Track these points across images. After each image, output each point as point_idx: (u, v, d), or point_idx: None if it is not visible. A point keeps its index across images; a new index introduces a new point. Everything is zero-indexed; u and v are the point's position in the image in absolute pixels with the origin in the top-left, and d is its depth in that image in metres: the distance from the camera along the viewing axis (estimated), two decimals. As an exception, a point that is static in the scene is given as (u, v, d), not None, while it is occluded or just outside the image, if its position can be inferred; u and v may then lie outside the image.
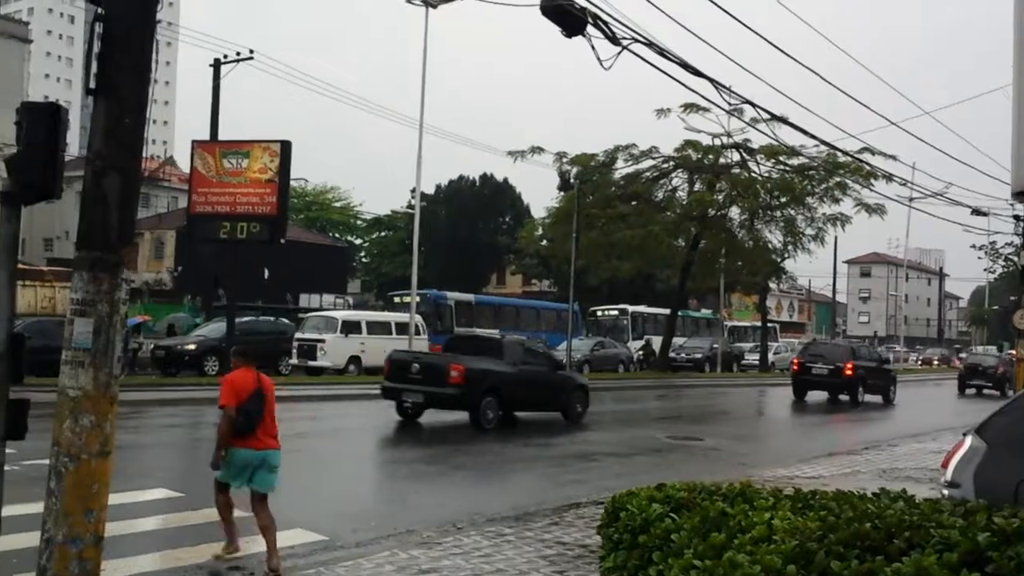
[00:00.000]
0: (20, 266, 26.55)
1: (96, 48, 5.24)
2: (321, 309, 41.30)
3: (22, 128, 5.19)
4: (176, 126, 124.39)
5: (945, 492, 5.41)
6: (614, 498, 4.41)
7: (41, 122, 5.19)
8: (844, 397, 29.22)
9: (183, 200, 35.73)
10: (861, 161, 31.67)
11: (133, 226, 5.35)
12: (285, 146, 25.99)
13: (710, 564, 3.22)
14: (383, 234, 74.79)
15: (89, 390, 5.01)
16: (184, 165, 37.85)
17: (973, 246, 54.90)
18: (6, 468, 8.28)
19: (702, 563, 3.27)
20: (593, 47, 9.97)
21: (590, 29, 9.81)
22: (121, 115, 5.23)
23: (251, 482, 7.46)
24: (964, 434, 5.89)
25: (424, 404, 17.89)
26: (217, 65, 28.95)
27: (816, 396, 29.68)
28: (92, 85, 5.21)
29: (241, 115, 52.62)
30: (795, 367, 30.68)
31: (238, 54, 29.39)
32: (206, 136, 28.13)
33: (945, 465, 5.73)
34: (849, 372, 28.84)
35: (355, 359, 30.62)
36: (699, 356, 46.71)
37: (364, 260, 78.00)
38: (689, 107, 35.13)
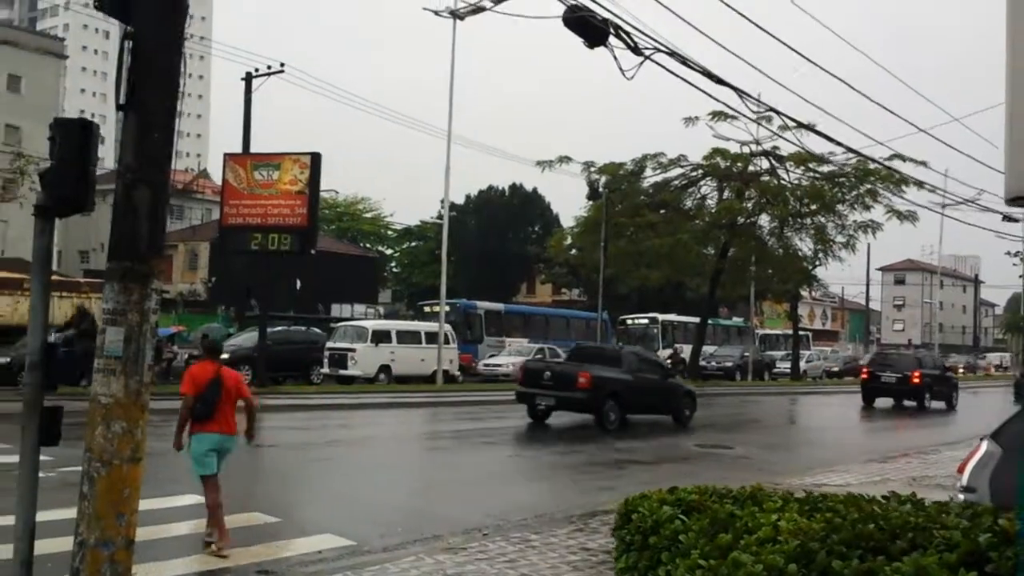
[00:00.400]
0: (57, 277, 27.03)
1: (126, 64, 5.39)
2: (352, 319, 41.59)
3: (55, 143, 5.35)
4: (210, 139, 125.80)
5: (961, 497, 5.42)
6: (627, 501, 4.48)
7: (73, 137, 5.34)
8: (910, 403, 31.19)
9: (216, 212, 36.27)
10: (891, 169, 31.47)
11: (163, 237, 5.49)
12: (315, 158, 26.28)
13: (715, 564, 3.29)
14: (413, 244, 75.17)
15: (120, 397, 5.14)
16: (217, 177, 38.28)
17: (1008, 253, 54.14)
18: (42, 475, 8.50)
19: (707, 563, 3.34)
20: (615, 57, 10.06)
21: (612, 40, 9.89)
22: (150, 129, 5.37)
23: (218, 468, 8.19)
24: (980, 439, 5.89)
25: (555, 407, 20.03)
26: (249, 79, 29.33)
27: (847, 403, 29.54)
28: (123, 101, 5.35)
29: (273, 128, 53.09)
30: (865, 375, 32.98)
31: (269, 67, 29.78)
32: (239, 149, 28.49)
33: (961, 470, 5.75)
34: (917, 380, 31.05)
35: (385, 368, 30.83)
36: (730, 364, 46.53)
37: (395, 270, 78.41)
38: (717, 115, 35.06)
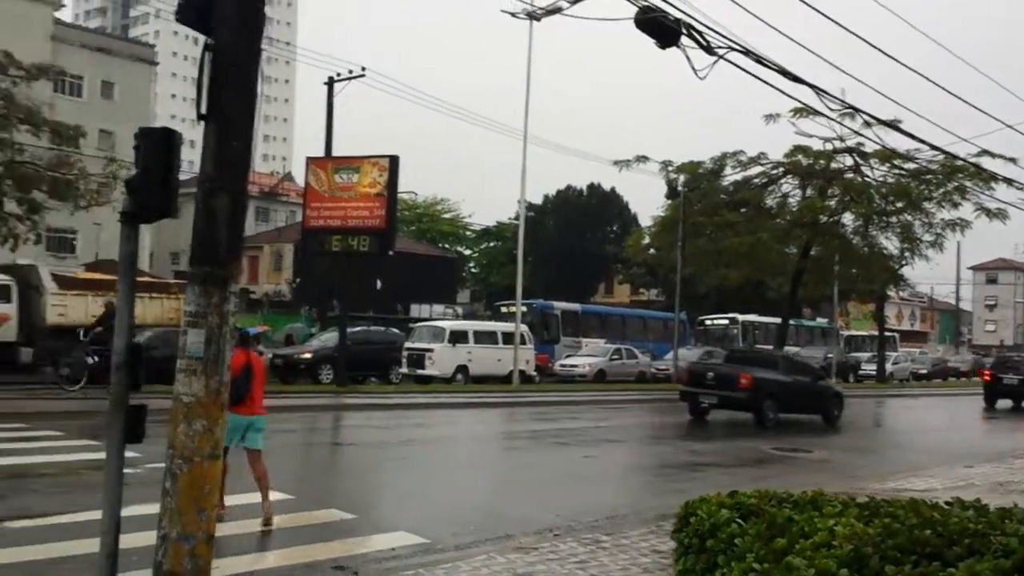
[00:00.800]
0: (148, 279, 27.82)
1: (207, 75, 5.60)
2: (430, 319, 42.01)
3: (139, 151, 5.57)
4: (294, 142, 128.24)
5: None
6: (686, 504, 4.50)
7: (156, 145, 5.54)
8: None
9: (300, 214, 37.12)
10: (978, 167, 30.56)
11: (241, 242, 5.68)
12: (393, 161, 26.68)
13: (769, 567, 3.30)
14: (492, 245, 75.57)
15: (201, 396, 5.34)
16: (301, 180, 39.06)
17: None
18: (130, 471, 8.84)
19: (761, 567, 3.35)
20: (688, 58, 10.01)
21: (684, 40, 9.85)
22: (229, 138, 5.56)
23: (243, 441, 9.12)
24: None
25: (717, 405, 22.04)
26: (331, 83, 29.90)
27: (934, 406, 28.80)
28: (203, 110, 5.55)
29: (354, 130, 54.03)
30: (987, 378, 34.61)
31: (350, 72, 30.35)
32: (322, 151, 29.08)
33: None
34: None
35: (462, 368, 31.10)
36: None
37: (473, 270, 78.93)
38: (799, 111, 34.47)
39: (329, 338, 29.80)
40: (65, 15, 59.56)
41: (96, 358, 21.04)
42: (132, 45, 62.99)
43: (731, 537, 3.84)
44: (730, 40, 10.47)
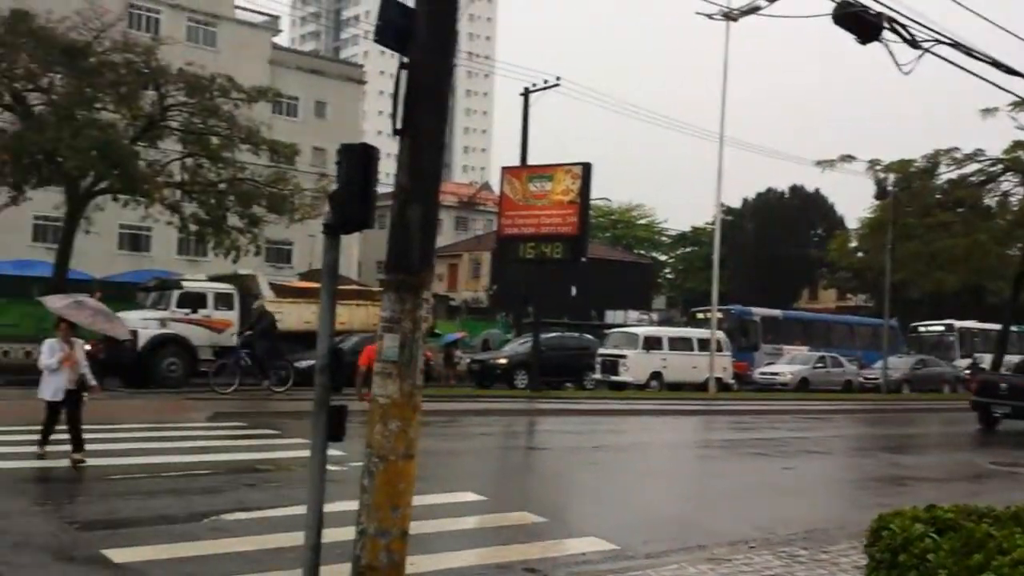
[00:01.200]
0: (355, 287, 29.14)
1: (402, 92, 5.85)
2: (625, 325, 41.90)
3: (341, 166, 5.89)
4: (492, 152, 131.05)
5: None
6: (880, 516, 4.32)
7: (356, 160, 5.84)
8: None
9: (497, 223, 38.08)
10: None
11: (433, 251, 5.91)
12: (586, 168, 26.90)
13: (962, 585, 3.12)
14: (688, 250, 74.56)
15: (396, 398, 5.59)
16: (499, 190, 40.00)
17: None
18: (335, 468, 9.32)
19: (954, 584, 3.17)
20: (891, 52, 9.58)
21: (886, 34, 9.43)
22: (422, 152, 5.80)
23: None
24: None
25: (1010, 415, 22.36)
26: (526, 94, 30.50)
27: None
28: (398, 125, 5.82)
29: (549, 138, 54.82)
30: None
31: (546, 82, 30.87)
32: (518, 161, 29.69)
33: None
34: None
35: (656, 375, 30.86)
36: (1038, 376, 42.43)
37: (669, 276, 78.11)
38: (1019, 105, 32.18)
39: (524, 344, 30.29)
40: (282, 40, 63.40)
41: (247, 361, 22.42)
42: (343, 66, 66.34)
43: (924, 552, 3.66)
44: (936, 33, 9.94)
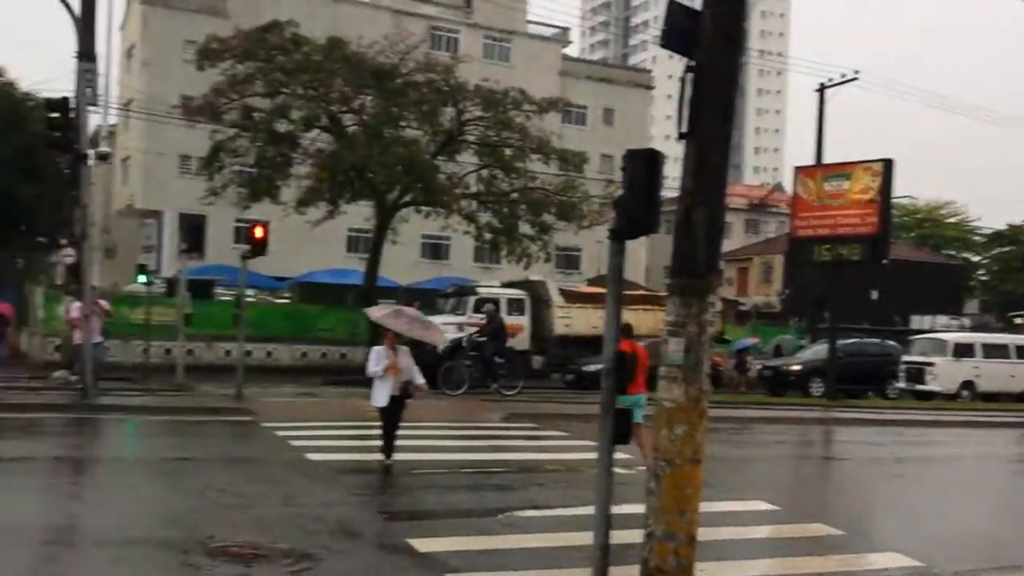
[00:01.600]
0: (642, 292, 29.25)
1: (687, 96, 5.83)
2: (932, 331, 39.12)
3: (626, 172, 5.96)
4: (785, 152, 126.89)
5: None
6: None
7: (641, 166, 5.88)
8: None
9: (789, 225, 36.89)
10: None
11: (718, 254, 5.84)
12: (887, 165, 25.42)
13: None
14: (1005, 249, 68.37)
15: (681, 402, 5.58)
16: (791, 190, 38.75)
17: None
18: (622, 471, 9.42)
19: None
20: None
21: None
22: (708, 155, 5.75)
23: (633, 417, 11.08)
24: None
25: None
26: (821, 90, 29.36)
27: None
28: (683, 129, 5.80)
29: (847, 136, 52.26)
30: None
31: (843, 76, 29.54)
32: (812, 160, 28.61)
33: None
34: None
35: (968, 384, 28.52)
36: None
37: (982, 278, 71.97)
38: None
39: (819, 350, 29.04)
40: (572, 50, 64.90)
41: (474, 364, 22.74)
42: (630, 72, 66.92)
43: None
44: None
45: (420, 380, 11.47)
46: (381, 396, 11.23)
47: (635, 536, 5.74)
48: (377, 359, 11.25)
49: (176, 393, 19.32)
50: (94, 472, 11.37)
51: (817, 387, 27.27)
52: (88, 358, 17.01)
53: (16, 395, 17.55)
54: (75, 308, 16.91)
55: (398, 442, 11.24)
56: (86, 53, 18.06)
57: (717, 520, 9.04)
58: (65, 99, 17.15)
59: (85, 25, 18.73)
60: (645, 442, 10.36)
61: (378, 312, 12.21)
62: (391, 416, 11.27)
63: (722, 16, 5.73)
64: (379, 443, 11.36)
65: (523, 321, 27.26)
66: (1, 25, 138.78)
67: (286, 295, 39.13)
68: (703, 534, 5.77)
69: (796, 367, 28.66)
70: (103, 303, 18.84)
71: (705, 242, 5.62)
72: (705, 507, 5.72)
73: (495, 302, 26.14)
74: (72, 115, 17.10)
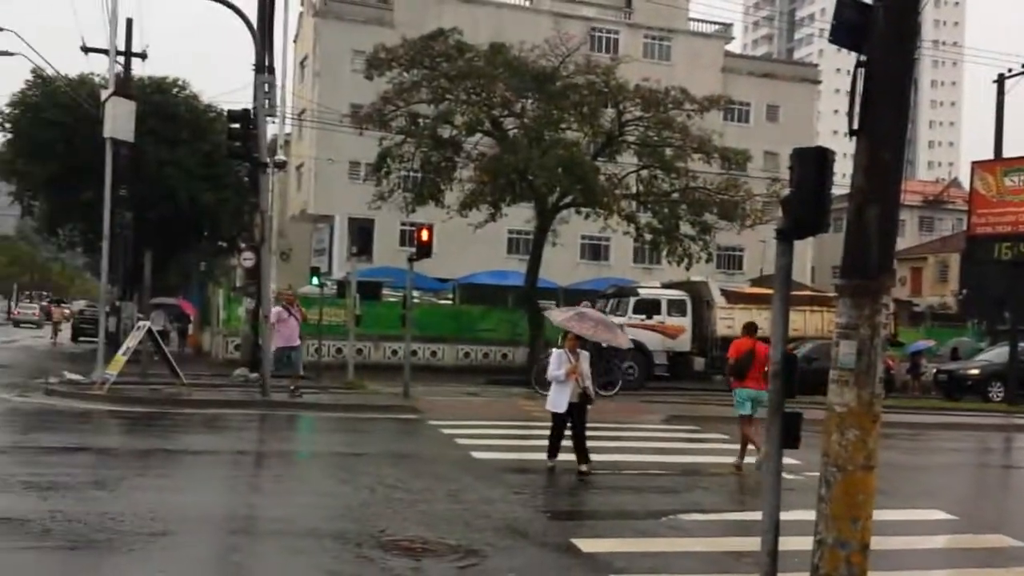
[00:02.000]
0: (809, 293, 28.48)
1: (859, 91, 5.67)
2: None
3: (794, 171, 5.84)
4: (961, 146, 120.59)
5: None
6: None
7: (810, 165, 5.74)
8: None
9: (966, 222, 34.99)
10: None
11: (892, 254, 5.65)
12: (1072, 157, 23.83)
13: None
14: None
15: (853, 407, 5.42)
16: (968, 185, 36.82)
17: None
18: (790, 477, 9.21)
19: None
20: None
21: None
22: (880, 151, 5.57)
23: (754, 411, 11.68)
24: None
25: None
26: (1000, 80, 27.76)
27: None
28: (855, 126, 5.64)
29: (1033, 127, 49.05)
30: None
31: (1023, 66, 27.84)
32: (991, 154, 27.10)
33: None
34: None
35: None
36: None
37: None
38: None
39: (999, 353, 27.48)
40: (735, 46, 63.73)
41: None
42: (796, 67, 65.13)
43: None
44: None
45: (588, 385, 11.14)
46: (560, 401, 10.88)
47: (802, 543, 5.63)
48: (559, 363, 10.89)
49: (347, 391, 20.12)
50: (272, 465, 11.98)
51: (997, 392, 25.83)
52: (267, 360, 17.83)
53: (201, 392, 18.69)
54: (273, 312, 17.75)
55: (563, 442, 11.29)
56: (264, 66, 19.03)
57: (890, 528, 8.71)
58: (246, 111, 18.07)
59: (263, 40, 19.75)
60: (757, 438, 11.28)
61: (561, 315, 11.98)
62: (573, 425, 10.94)
63: (893, 9, 5.55)
64: (547, 444, 11.29)
65: (684, 322, 26.98)
66: (182, 40, 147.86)
67: (448, 296, 40.05)
68: (876, 542, 5.60)
69: (974, 371, 27.22)
70: (301, 308, 19.30)
71: (878, 241, 5.44)
72: (878, 515, 5.54)
73: (657, 303, 25.97)
74: (251, 126, 18.02)
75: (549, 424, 11.36)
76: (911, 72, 5.77)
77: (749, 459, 11.85)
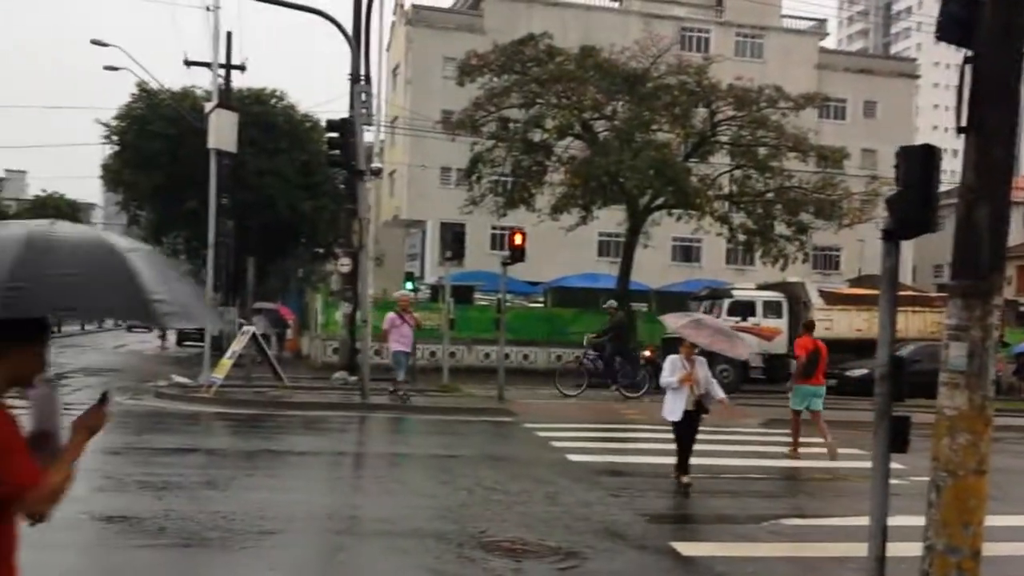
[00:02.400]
0: (911, 293, 27.67)
1: (966, 88, 5.55)
2: None
3: (899, 169, 5.74)
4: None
5: None
6: None
7: (916, 163, 5.65)
8: None
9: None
10: None
11: (1003, 253, 5.51)
12: None
13: None
14: None
15: (964, 410, 5.30)
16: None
17: None
18: (896, 482, 9.00)
19: None
20: None
21: None
22: (990, 148, 5.44)
23: (809, 407, 13.18)
24: None
25: None
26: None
27: None
28: (962, 124, 5.52)
29: None
30: None
31: None
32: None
33: None
34: None
35: None
36: None
37: None
38: None
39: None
40: (829, 42, 62.40)
41: (592, 363, 22.27)
42: (893, 62, 63.43)
43: None
44: None
45: (720, 394, 10.61)
46: (675, 409, 10.42)
47: (910, 549, 5.53)
48: (672, 369, 10.45)
49: (443, 394, 20.35)
50: (372, 466, 12.23)
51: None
52: (365, 364, 18.17)
53: (302, 394, 19.15)
54: (387, 319, 18.07)
55: (658, 445, 11.24)
56: (360, 75, 19.42)
57: (1003, 535, 8.46)
58: (344, 120, 18.51)
59: (359, 49, 20.16)
60: (824, 430, 13.12)
61: (676, 321, 11.48)
62: (685, 431, 10.49)
63: (1001, 3, 5.41)
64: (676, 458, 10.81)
65: (781, 324, 26.54)
66: (278, 51, 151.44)
67: (539, 299, 40.13)
68: (988, 549, 5.46)
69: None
70: (415, 315, 19.36)
71: (989, 241, 5.32)
72: (988, 520, 5.41)
73: (751, 305, 25.61)
74: (349, 135, 18.41)
75: (643, 427, 11.34)
76: (1020, 67, 5.62)
77: (842, 463, 12.66)
